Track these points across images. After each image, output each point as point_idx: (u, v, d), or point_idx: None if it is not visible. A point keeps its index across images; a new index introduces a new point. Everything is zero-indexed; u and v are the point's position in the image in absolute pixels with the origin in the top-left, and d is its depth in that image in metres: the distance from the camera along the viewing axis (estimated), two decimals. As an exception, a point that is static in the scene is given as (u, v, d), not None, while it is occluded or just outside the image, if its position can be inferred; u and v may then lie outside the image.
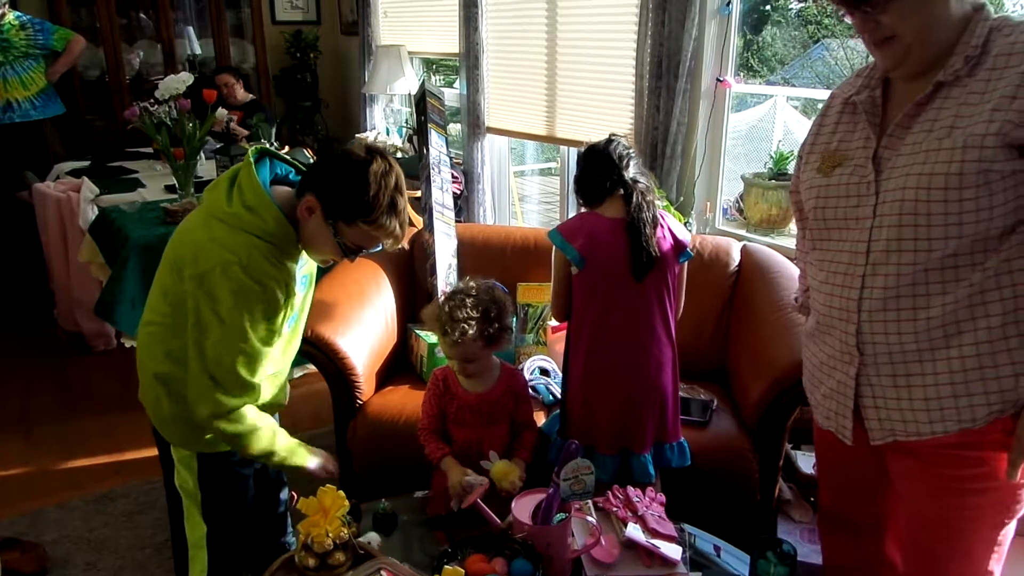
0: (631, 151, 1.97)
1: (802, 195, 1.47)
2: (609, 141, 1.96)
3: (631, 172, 1.92)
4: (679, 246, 1.95)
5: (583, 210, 2.00)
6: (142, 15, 4.96)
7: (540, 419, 2.19)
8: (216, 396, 1.48)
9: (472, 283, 1.83)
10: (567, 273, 1.96)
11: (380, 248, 1.54)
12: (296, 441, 1.68)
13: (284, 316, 1.54)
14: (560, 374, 2.42)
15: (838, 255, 1.36)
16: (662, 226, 1.93)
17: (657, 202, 1.97)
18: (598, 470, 1.89)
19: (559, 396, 2.33)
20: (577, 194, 2.01)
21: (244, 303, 1.43)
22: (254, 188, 1.46)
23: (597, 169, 1.93)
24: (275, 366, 1.66)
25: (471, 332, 1.75)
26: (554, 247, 1.97)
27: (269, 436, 1.59)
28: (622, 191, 1.91)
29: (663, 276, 1.92)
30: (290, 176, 1.61)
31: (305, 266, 1.66)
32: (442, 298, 1.86)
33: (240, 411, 1.52)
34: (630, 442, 1.96)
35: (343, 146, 1.55)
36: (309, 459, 1.69)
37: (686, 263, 2.03)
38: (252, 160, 1.51)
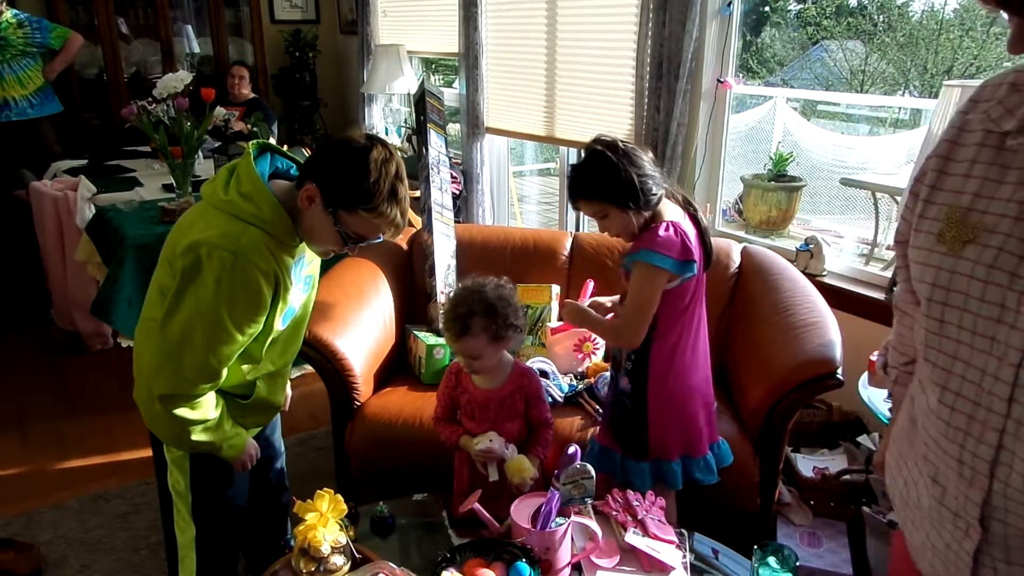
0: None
1: (912, 267, 0.98)
2: (628, 144, 1.79)
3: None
4: None
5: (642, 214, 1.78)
6: (120, 19, 4.91)
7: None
8: (171, 376, 1.44)
9: (481, 280, 1.83)
10: (661, 290, 1.76)
11: (381, 239, 1.52)
12: (236, 430, 1.61)
13: (278, 310, 1.51)
14: (559, 376, 2.41)
15: (961, 382, 0.90)
16: None
17: None
18: (704, 473, 1.89)
19: (559, 399, 2.32)
20: (637, 199, 1.72)
21: (225, 291, 1.39)
22: (251, 177, 1.44)
23: (650, 169, 1.76)
24: (274, 365, 1.65)
25: (473, 328, 1.75)
26: (649, 268, 1.72)
27: (215, 430, 1.54)
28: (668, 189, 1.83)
29: None
30: (291, 171, 1.60)
31: (308, 267, 1.64)
32: (451, 294, 1.86)
33: (199, 399, 1.48)
34: (713, 432, 1.95)
35: (341, 133, 1.53)
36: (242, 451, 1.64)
37: None
38: (253, 153, 1.50)
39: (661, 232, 1.73)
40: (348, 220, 1.46)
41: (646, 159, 1.77)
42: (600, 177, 1.75)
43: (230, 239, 1.39)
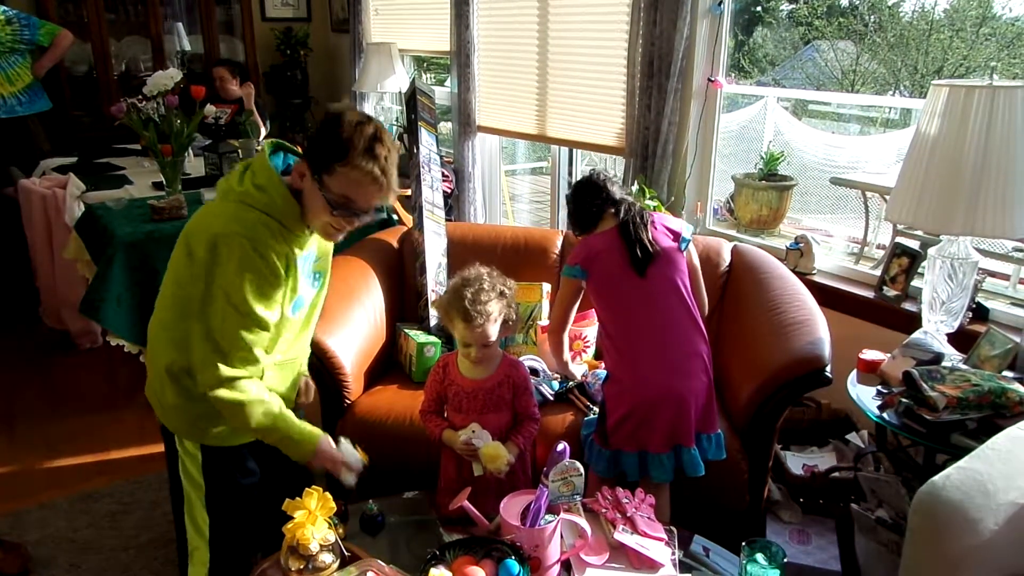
0: (612, 175, 2.20)
1: None
2: (591, 173, 2.18)
3: (614, 191, 2.13)
4: (675, 236, 2.08)
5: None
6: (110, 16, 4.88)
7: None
8: (218, 363, 1.51)
9: (479, 269, 1.91)
10: (574, 291, 2.15)
11: (381, 212, 1.57)
12: (308, 428, 1.66)
13: (287, 297, 1.59)
14: (548, 373, 2.42)
15: None
16: (654, 224, 2.07)
17: (649, 203, 2.03)
18: (658, 471, 1.94)
19: (549, 397, 2.33)
20: (575, 227, 2.21)
21: (248, 273, 1.48)
22: (266, 171, 1.55)
23: (586, 197, 2.13)
24: (283, 354, 1.68)
25: (494, 313, 1.82)
26: (562, 278, 2.18)
27: (269, 411, 1.57)
28: (612, 209, 2.10)
29: (673, 269, 2.05)
30: None
31: (318, 262, 1.70)
32: (452, 287, 1.90)
33: (241, 381, 1.53)
34: (680, 436, 1.96)
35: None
36: (318, 449, 1.65)
37: (692, 249, 2.19)
38: (268, 151, 1.60)
39: (577, 247, 2.14)
40: (329, 182, 1.52)
41: (594, 189, 2.13)
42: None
43: (245, 225, 1.49)
